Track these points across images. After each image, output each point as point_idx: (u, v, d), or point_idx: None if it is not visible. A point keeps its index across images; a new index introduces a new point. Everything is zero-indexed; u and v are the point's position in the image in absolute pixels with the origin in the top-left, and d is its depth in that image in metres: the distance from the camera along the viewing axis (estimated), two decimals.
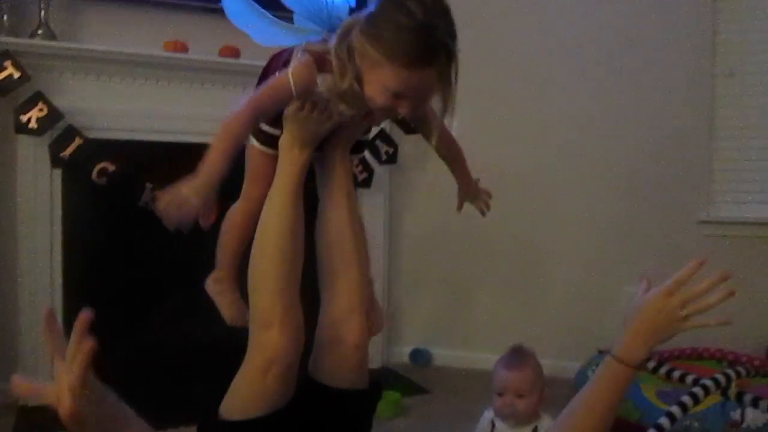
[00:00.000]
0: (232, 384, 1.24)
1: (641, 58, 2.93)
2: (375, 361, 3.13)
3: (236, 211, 1.44)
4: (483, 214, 1.53)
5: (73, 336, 0.87)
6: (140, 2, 2.69)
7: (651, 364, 1.72)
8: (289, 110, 1.23)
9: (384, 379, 2.92)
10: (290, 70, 1.17)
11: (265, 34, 1.33)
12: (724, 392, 1.51)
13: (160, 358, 2.76)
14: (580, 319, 2.91)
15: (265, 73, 1.34)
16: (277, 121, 1.31)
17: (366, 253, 1.41)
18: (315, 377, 1.33)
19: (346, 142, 1.37)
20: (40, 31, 2.48)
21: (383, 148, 3.03)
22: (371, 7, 1.12)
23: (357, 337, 1.31)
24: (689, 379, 1.58)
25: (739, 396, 1.53)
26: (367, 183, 3.02)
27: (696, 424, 2.08)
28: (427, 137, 1.30)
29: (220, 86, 2.76)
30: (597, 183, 2.99)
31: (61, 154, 2.47)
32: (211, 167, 1.10)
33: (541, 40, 3.03)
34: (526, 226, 3.02)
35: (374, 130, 2.47)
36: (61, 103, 2.47)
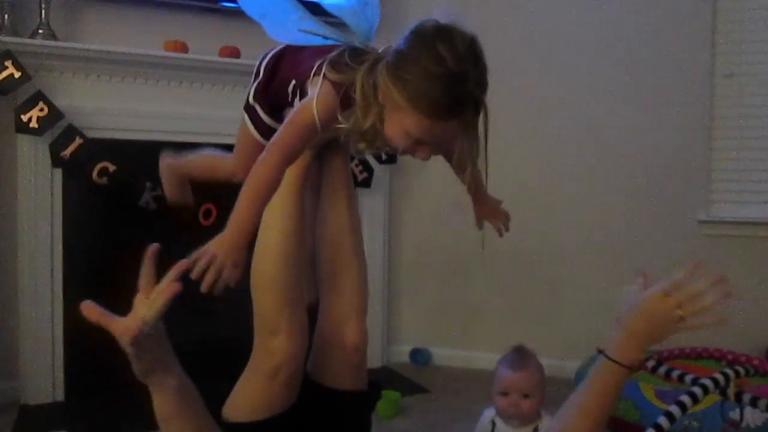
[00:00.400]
0: (236, 386, 1.24)
1: (640, 59, 2.93)
2: (375, 361, 3.13)
3: (219, 159, 1.45)
4: (501, 234, 1.47)
5: (169, 275, 0.98)
6: (140, 2, 2.69)
7: (650, 364, 1.72)
8: None
9: (384, 379, 2.92)
10: (312, 101, 1.09)
11: (280, 28, 1.21)
12: (723, 392, 1.51)
13: None
14: (581, 319, 2.92)
15: (274, 71, 1.29)
16: (276, 112, 1.31)
17: (364, 256, 1.41)
18: (314, 378, 1.33)
19: (348, 147, 1.36)
20: (40, 31, 2.48)
21: None
22: (401, 42, 1.04)
23: (356, 339, 1.31)
24: (688, 378, 1.58)
25: (738, 396, 1.53)
26: (366, 183, 3.02)
27: (695, 423, 2.08)
28: (457, 173, 1.19)
29: (220, 86, 2.76)
30: (597, 183, 2.99)
31: (62, 154, 2.47)
32: (240, 225, 1.05)
33: (537, 44, 3.03)
34: (526, 226, 3.02)
35: None
36: (61, 102, 2.47)
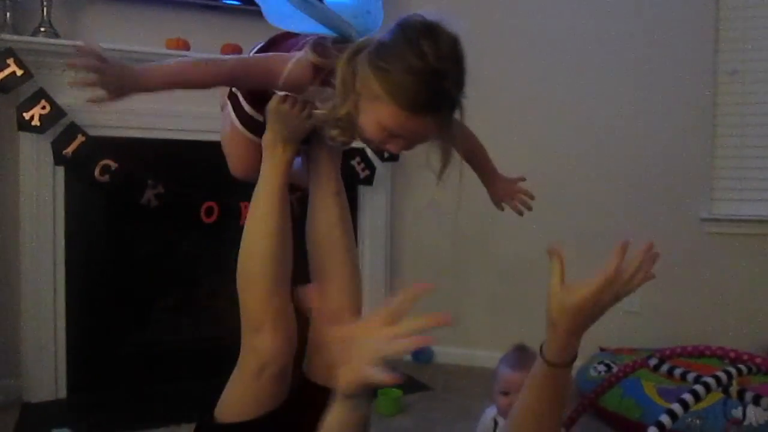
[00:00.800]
0: (226, 386, 1.24)
1: (643, 56, 2.92)
2: None
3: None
4: (521, 213, 1.44)
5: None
6: (142, 0, 2.69)
7: (652, 362, 1.72)
8: (271, 104, 1.22)
9: None
10: (293, 59, 1.11)
11: (277, 14, 1.19)
12: (726, 390, 1.51)
13: (160, 355, 2.77)
14: None
15: (268, 48, 1.28)
16: (258, 103, 1.29)
17: (355, 252, 1.39)
18: (309, 377, 1.33)
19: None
20: (42, 29, 2.48)
21: None
22: (386, 34, 1.05)
23: None
24: (691, 376, 1.58)
25: (741, 394, 1.53)
26: (369, 180, 3.02)
27: (697, 421, 2.08)
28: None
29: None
30: (598, 180, 2.99)
31: (64, 152, 2.48)
32: (149, 79, 1.09)
33: (541, 38, 3.03)
34: (528, 224, 3.02)
35: None
36: (63, 100, 2.47)
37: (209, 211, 2.67)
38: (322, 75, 1.10)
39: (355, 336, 0.85)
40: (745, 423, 1.97)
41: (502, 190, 1.45)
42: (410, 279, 3.26)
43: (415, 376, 2.95)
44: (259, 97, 1.29)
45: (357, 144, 1.17)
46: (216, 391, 1.25)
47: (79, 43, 0.99)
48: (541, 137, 3.03)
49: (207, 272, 2.81)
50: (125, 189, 2.56)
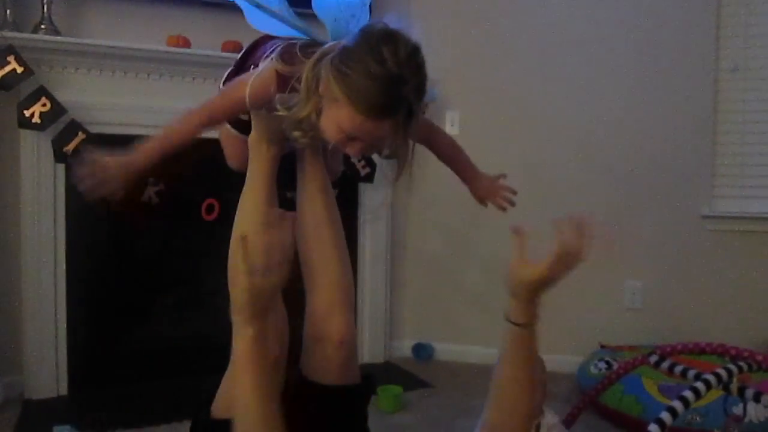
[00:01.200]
0: (221, 383, 1.24)
1: (644, 53, 2.92)
2: (377, 356, 3.14)
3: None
4: (504, 210, 1.47)
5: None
6: None
7: (653, 359, 1.72)
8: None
9: (386, 373, 2.93)
10: (253, 77, 1.17)
11: (257, 17, 1.26)
12: (726, 387, 1.51)
13: (162, 352, 2.77)
14: (582, 314, 2.91)
15: (244, 61, 1.37)
16: None
17: (345, 249, 1.40)
18: (305, 374, 1.33)
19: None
20: (43, 26, 2.48)
21: None
22: (349, 39, 1.08)
23: (341, 334, 1.29)
24: (691, 373, 1.58)
25: (741, 391, 1.53)
26: (369, 178, 3.02)
27: (698, 418, 2.08)
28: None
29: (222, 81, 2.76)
30: (600, 177, 2.98)
31: (65, 149, 2.47)
32: (143, 156, 1.16)
33: (542, 36, 3.02)
34: (529, 220, 3.02)
35: None
36: (64, 98, 2.47)
37: (210, 209, 2.68)
38: (291, 82, 1.14)
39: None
40: (746, 420, 1.97)
41: (484, 189, 1.47)
42: (411, 277, 3.27)
43: (416, 373, 2.96)
44: None
45: None
46: (216, 388, 1.25)
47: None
48: (542, 134, 3.03)
49: (208, 269, 2.81)
50: (126, 186, 2.56)
